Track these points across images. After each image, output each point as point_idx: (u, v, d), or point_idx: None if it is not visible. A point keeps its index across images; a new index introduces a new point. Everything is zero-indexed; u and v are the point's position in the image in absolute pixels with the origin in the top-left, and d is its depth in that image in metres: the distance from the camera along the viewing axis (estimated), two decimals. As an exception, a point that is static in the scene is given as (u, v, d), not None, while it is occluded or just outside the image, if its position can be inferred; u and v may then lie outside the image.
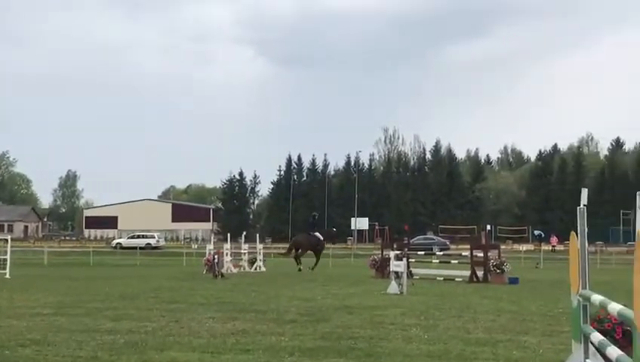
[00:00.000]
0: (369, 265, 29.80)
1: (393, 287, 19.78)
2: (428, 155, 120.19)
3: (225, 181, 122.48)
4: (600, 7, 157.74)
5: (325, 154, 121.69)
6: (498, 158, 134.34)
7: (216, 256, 28.25)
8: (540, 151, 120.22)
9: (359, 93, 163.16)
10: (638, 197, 4.64)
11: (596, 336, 6.06)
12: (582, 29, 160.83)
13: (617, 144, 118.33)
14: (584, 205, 6.66)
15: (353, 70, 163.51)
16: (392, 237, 70.74)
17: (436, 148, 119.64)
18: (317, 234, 33.70)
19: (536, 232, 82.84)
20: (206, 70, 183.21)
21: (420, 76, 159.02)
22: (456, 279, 26.25)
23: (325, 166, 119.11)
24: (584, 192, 6.71)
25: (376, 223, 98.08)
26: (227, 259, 31.01)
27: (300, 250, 33.08)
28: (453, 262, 29.47)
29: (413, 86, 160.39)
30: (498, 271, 25.61)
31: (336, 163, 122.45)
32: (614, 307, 5.30)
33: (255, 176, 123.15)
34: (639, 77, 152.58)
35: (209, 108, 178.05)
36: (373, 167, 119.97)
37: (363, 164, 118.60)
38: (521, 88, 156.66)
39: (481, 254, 26.33)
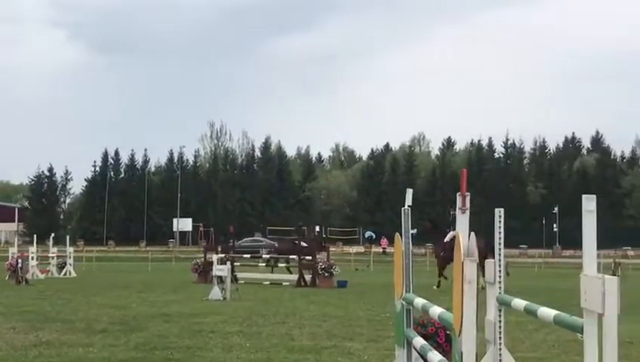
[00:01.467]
0: (191, 270, 29.57)
1: (216, 293, 19.72)
2: (257, 152, 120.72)
3: (32, 177, 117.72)
4: (430, 2, 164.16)
5: (146, 150, 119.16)
6: (330, 157, 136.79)
7: (19, 260, 27.13)
8: (372, 150, 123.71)
9: (184, 85, 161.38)
10: (458, 198, 4.85)
11: (418, 341, 6.29)
12: (414, 24, 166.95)
13: (448, 144, 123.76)
14: (409, 206, 6.90)
15: (179, 61, 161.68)
16: (217, 240, 70.39)
17: (266, 145, 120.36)
18: (302, 243, 32.89)
19: (368, 234, 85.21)
20: (12, 54, 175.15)
21: (250, 69, 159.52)
22: (284, 283, 26.54)
23: (146, 162, 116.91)
24: (409, 193, 6.95)
25: (201, 224, 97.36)
26: (33, 263, 29.84)
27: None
28: (280, 265, 29.77)
29: (242, 79, 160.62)
30: (327, 274, 26.13)
31: (158, 159, 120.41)
32: (435, 311, 5.52)
33: (66, 172, 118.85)
34: (470, 76, 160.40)
35: (14, 96, 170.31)
36: (198, 164, 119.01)
37: (187, 160, 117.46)
38: (354, 85, 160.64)
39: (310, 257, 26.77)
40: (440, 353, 6.24)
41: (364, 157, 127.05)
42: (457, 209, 4.81)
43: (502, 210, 6.50)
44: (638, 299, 21.46)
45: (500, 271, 6.43)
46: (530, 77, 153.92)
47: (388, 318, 14.39)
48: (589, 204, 4.25)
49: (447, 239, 25.82)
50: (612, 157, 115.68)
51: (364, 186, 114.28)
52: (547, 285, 28.60)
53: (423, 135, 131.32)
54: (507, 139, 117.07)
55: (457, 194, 4.85)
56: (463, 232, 4.62)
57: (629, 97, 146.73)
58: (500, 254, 6.44)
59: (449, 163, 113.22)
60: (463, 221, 4.78)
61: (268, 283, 26.92)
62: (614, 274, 31.94)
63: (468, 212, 4.81)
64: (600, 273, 4.21)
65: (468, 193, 4.85)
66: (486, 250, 26.97)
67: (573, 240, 72.02)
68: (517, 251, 75.63)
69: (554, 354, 10.71)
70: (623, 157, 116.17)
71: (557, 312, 4.91)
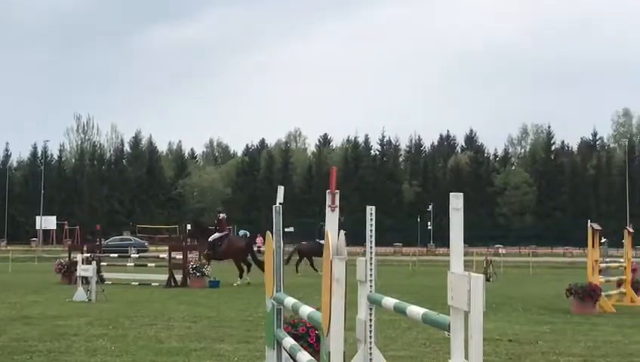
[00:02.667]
0: (55, 270, 28.79)
1: (80, 294, 19.32)
2: (126, 147, 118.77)
3: None
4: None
5: (7, 143, 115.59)
6: (203, 153, 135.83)
7: None
8: (247, 146, 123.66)
9: (48, 75, 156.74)
10: (328, 196, 4.90)
11: (288, 341, 6.31)
12: (294, 18, 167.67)
13: (325, 141, 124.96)
14: (280, 203, 6.92)
15: (43, 50, 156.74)
16: (83, 238, 68.83)
17: (136, 140, 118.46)
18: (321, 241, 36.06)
19: (242, 232, 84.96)
20: None
21: (121, 60, 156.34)
22: (153, 284, 26.19)
23: (7, 156, 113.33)
24: (280, 190, 6.97)
25: (66, 222, 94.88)
26: None
27: (304, 257, 37.64)
28: (150, 265, 29.35)
29: (111, 70, 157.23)
30: (198, 274, 25.93)
31: (20, 153, 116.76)
32: (305, 310, 5.55)
33: None
34: (346, 73, 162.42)
35: None
36: (63, 159, 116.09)
37: (52, 155, 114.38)
38: (230, 79, 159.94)
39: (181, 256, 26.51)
40: (311, 353, 6.29)
41: (239, 154, 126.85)
42: (327, 206, 4.86)
43: (373, 207, 6.59)
44: (509, 297, 22.27)
45: (371, 269, 6.53)
46: (406, 75, 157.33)
47: (260, 318, 14.41)
48: (456, 201, 4.35)
49: (211, 239, 28.13)
50: (485, 155, 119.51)
51: (239, 183, 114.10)
52: (421, 283, 29.28)
53: (299, 131, 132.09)
54: (383, 137, 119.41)
55: (327, 191, 4.89)
56: (332, 231, 4.66)
57: (502, 96, 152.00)
58: (371, 252, 6.54)
59: (325, 160, 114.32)
60: (332, 219, 4.82)
61: (136, 283, 26.50)
62: (486, 272, 33.12)
63: (337, 209, 4.86)
64: (467, 271, 4.32)
65: (337, 191, 4.89)
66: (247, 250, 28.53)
67: (447, 238, 73.92)
68: (392, 249, 77.10)
69: (425, 352, 10.97)
70: (496, 156, 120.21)
71: (425, 310, 5.02)
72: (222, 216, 29.81)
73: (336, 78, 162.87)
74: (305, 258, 37.82)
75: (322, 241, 37.88)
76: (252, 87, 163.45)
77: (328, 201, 4.86)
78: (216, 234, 28.31)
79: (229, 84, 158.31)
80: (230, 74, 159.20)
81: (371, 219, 6.54)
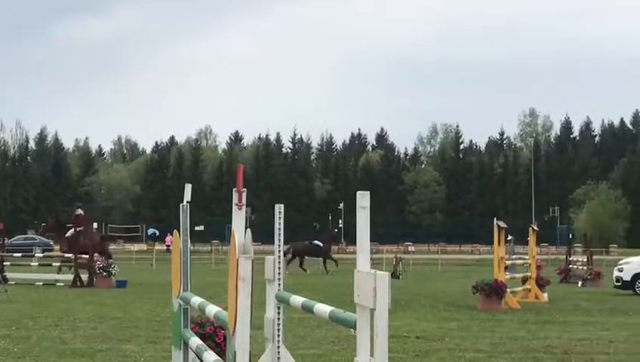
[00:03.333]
0: (-46, 270, 27.90)
1: (-19, 295, 18.81)
2: (31, 144, 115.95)
3: None
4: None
5: None
6: (111, 150, 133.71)
7: None
8: (157, 144, 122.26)
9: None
10: (234, 194, 4.87)
11: (195, 341, 6.26)
12: (203, 14, 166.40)
13: (236, 138, 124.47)
14: (188, 201, 6.86)
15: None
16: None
17: (41, 137, 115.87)
18: (316, 241, 39.68)
19: (151, 231, 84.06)
20: None
21: (24, 53, 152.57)
22: (58, 284, 25.66)
23: None
24: (187, 188, 6.91)
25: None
26: None
27: (297, 256, 38.80)
28: (55, 264, 28.73)
29: (16, 63, 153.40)
30: (105, 273, 25.52)
31: None
32: (211, 310, 5.52)
33: None
34: (259, 70, 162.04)
35: None
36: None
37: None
38: (138, 75, 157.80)
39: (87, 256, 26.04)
40: (219, 353, 6.25)
41: (148, 151, 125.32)
42: (234, 205, 4.83)
43: (282, 205, 6.60)
44: (417, 294, 22.60)
45: (279, 267, 6.53)
46: (318, 73, 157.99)
47: (168, 318, 14.26)
48: (362, 199, 4.39)
49: (68, 234, 28.13)
50: (396, 154, 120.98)
51: (148, 181, 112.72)
52: (332, 281, 29.45)
53: (209, 129, 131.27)
54: (295, 135, 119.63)
55: (233, 190, 4.87)
56: (238, 229, 4.64)
57: (413, 96, 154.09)
58: (279, 250, 6.54)
59: (236, 157, 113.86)
60: (239, 217, 4.80)
61: (41, 283, 25.91)
62: (396, 270, 33.53)
63: (244, 208, 4.84)
64: (374, 269, 4.36)
65: (245, 189, 4.88)
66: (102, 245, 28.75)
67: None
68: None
69: (334, 350, 11.04)
70: (406, 155, 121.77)
71: (332, 308, 5.05)
72: (79, 211, 29.53)
73: (248, 75, 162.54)
74: (297, 257, 39.03)
75: (316, 242, 39.22)
76: (161, 83, 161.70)
77: (235, 200, 4.83)
78: (72, 231, 27.86)
79: (138, 81, 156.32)
80: (139, 70, 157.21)
81: (280, 218, 6.55)
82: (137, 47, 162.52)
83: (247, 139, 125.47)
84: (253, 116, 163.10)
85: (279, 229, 6.53)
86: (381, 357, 4.13)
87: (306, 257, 39.23)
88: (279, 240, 6.54)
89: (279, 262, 6.50)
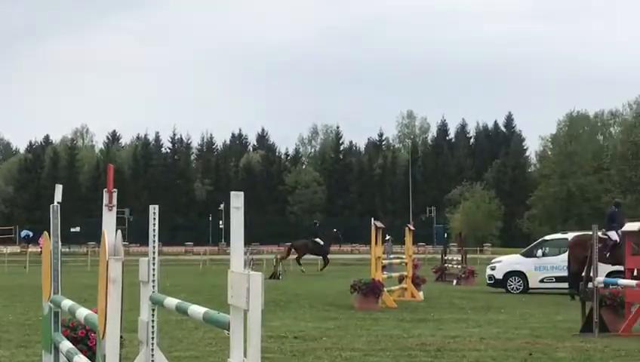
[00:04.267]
0: None
1: None
2: None
3: None
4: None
5: None
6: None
7: None
8: (31, 143, 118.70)
9: None
10: (105, 195, 4.80)
11: (65, 345, 6.13)
12: (79, 10, 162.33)
13: (113, 138, 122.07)
14: (58, 202, 6.71)
15: None
16: None
17: None
18: (317, 239, 40.45)
19: (24, 232, 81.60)
20: None
21: None
22: None
23: None
24: (58, 189, 6.75)
25: None
26: None
27: (298, 254, 40.11)
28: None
29: None
30: (-26, 277, 24.68)
31: None
32: (82, 313, 5.42)
33: None
34: (137, 69, 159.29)
35: None
36: None
37: None
38: (9, 72, 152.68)
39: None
40: (90, 356, 6.14)
41: (22, 151, 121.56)
42: (104, 205, 4.75)
43: (157, 206, 6.54)
44: (297, 294, 22.71)
45: (154, 269, 6.46)
46: (198, 72, 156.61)
47: (40, 322, 13.89)
48: (236, 200, 4.40)
49: None
50: (277, 154, 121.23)
51: (22, 181, 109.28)
52: (211, 282, 29.26)
53: (86, 128, 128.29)
54: (174, 135, 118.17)
55: (104, 190, 4.79)
56: (108, 230, 4.56)
57: (294, 96, 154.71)
58: (154, 252, 6.48)
59: (114, 157, 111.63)
60: (109, 218, 4.73)
61: None
62: (276, 270, 33.63)
63: (115, 209, 4.77)
64: (247, 269, 4.37)
65: (115, 189, 4.80)
66: None
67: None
68: (182, 248, 76.54)
69: (211, 351, 10.99)
70: (287, 155, 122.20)
71: (206, 310, 5.05)
72: None
73: (127, 75, 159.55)
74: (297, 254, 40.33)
75: (317, 240, 40.23)
76: (37, 83, 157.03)
77: (105, 200, 4.76)
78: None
79: (10, 78, 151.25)
80: (10, 67, 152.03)
81: (155, 219, 6.48)
82: (8, 44, 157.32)
83: (126, 139, 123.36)
84: (132, 116, 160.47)
85: (154, 231, 6.47)
86: (254, 357, 4.15)
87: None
88: (154, 241, 6.48)
89: (154, 264, 6.44)
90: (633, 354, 11.22)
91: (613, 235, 23.35)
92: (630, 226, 14.62)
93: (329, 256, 41.86)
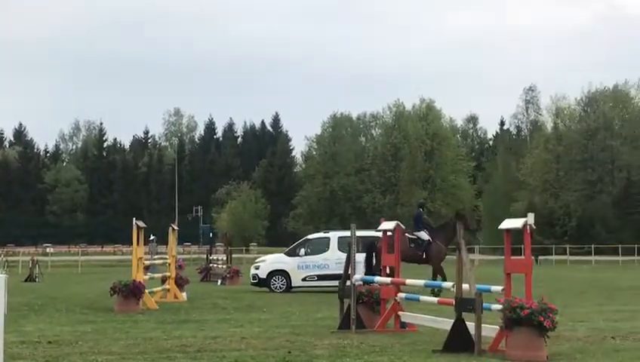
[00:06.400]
0: None
1: None
2: None
3: None
4: None
5: None
6: None
7: None
8: None
9: None
10: None
11: None
12: None
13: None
14: None
15: None
16: None
17: None
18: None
19: None
20: None
21: None
22: None
23: None
24: None
25: None
26: None
27: None
28: None
29: None
30: None
31: None
32: None
33: None
34: None
35: None
36: None
37: None
38: None
39: None
40: None
41: None
42: None
43: None
44: (53, 298, 21.98)
45: None
46: None
47: None
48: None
49: None
50: (35, 150, 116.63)
51: None
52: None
53: None
54: None
55: None
56: None
57: (55, 90, 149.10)
58: None
59: None
60: None
61: None
62: (32, 273, 32.33)
63: None
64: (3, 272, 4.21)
65: None
66: None
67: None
68: None
69: None
70: (46, 152, 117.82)
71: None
72: None
73: None
74: None
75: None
76: None
77: None
78: None
79: None
80: None
81: None
82: None
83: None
84: None
85: None
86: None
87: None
88: None
89: None
90: (387, 349, 11.78)
91: (424, 235, 24.54)
92: (386, 225, 15.30)
93: None
